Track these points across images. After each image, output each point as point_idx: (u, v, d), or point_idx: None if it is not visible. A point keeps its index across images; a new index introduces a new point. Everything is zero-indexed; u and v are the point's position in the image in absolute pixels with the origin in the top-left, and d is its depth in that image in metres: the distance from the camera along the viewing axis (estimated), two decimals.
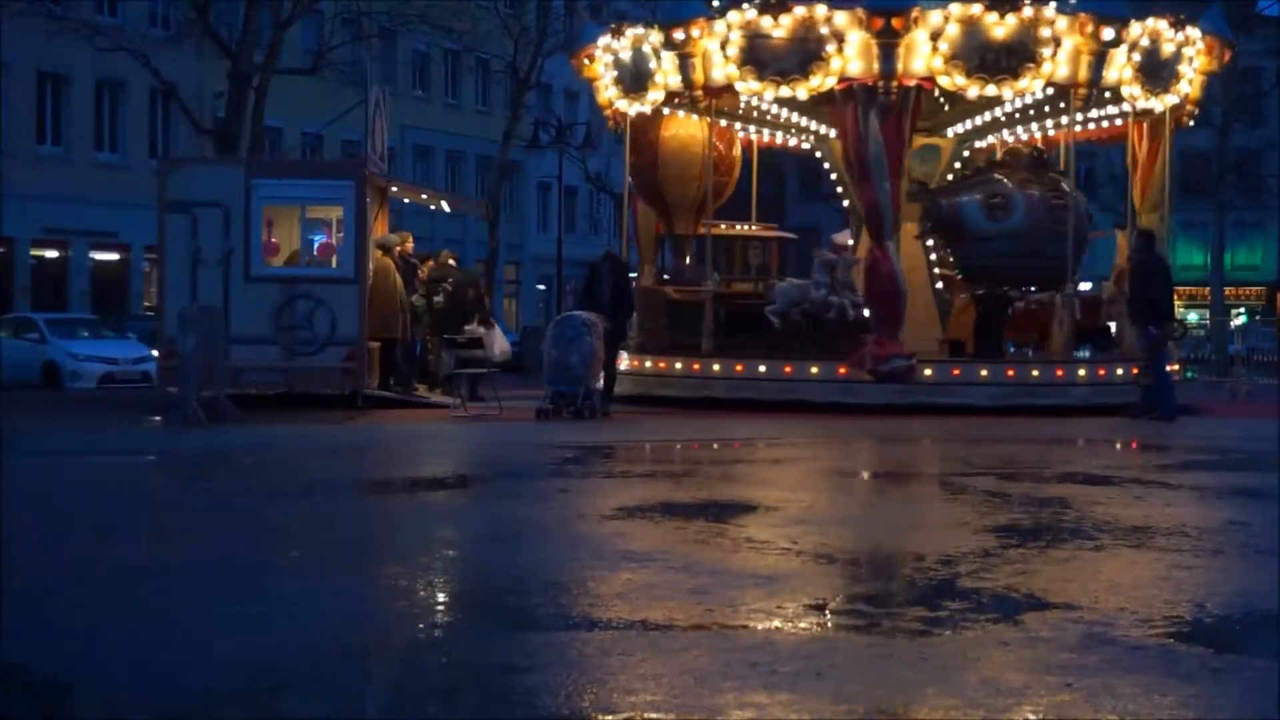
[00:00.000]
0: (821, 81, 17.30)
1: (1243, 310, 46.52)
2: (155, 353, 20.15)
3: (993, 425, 14.99)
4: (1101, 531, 7.28)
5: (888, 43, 17.02)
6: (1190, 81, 18.79)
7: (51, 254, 35.95)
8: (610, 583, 5.83)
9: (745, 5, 17.55)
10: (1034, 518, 7.86)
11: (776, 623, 5.09)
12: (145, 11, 36.12)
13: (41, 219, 34.40)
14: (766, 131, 22.62)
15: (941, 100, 18.65)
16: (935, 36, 17.03)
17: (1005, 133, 22.03)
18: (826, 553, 6.70)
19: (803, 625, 5.12)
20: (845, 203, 21.22)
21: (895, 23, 17.02)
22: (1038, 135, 22.33)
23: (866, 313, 17.81)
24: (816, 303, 18.04)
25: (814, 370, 17.69)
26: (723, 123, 20.97)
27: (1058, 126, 21.66)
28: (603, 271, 17.37)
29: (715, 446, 13.36)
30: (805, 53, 17.18)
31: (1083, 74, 17.67)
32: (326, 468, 11.47)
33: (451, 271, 19.48)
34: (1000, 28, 17.13)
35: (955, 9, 17.01)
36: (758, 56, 17.42)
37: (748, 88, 17.84)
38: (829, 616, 5.31)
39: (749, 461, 11.97)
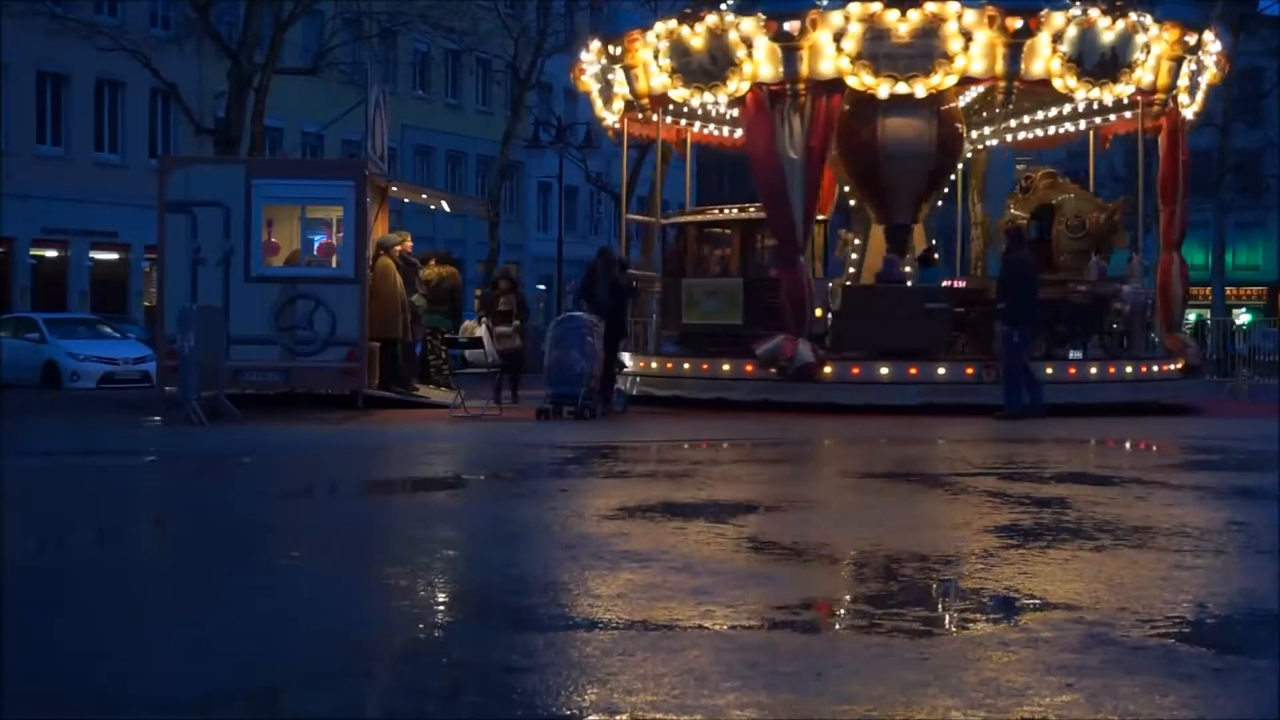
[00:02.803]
0: (737, 86, 17.71)
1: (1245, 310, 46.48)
2: (154, 352, 20.16)
3: (989, 426, 14.99)
4: (1102, 532, 7.28)
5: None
6: (1153, 70, 18.18)
7: (51, 254, 35.98)
8: (610, 583, 5.82)
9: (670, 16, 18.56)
10: (1034, 518, 7.85)
11: (777, 622, 5.08)
12: (145, 11, 36.17)
13: (41, 219, 34.45)
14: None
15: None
16: (838, 38, 17.11)
17: (974, 134, 21.93)
18: (827, 553, 6.69)
19: (803, 625, 5.11)
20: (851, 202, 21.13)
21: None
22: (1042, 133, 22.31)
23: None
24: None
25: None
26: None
27: (1051, 123, 21.61)
28: (598, 270, 17.36)
29: (708, 446, 13.35)
30: (721, 57, 17.66)
31: (1000, 67, 17.23)
32: (326, 468, 11.47)
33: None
34: (903, 24, 17.01)
35: (855, 8, 17.07)
36: (685, 63, 17.99)
37: (680, 94, 18.36)
38: (829, 616, 5.31)
39: (749, 461, 11.97)
